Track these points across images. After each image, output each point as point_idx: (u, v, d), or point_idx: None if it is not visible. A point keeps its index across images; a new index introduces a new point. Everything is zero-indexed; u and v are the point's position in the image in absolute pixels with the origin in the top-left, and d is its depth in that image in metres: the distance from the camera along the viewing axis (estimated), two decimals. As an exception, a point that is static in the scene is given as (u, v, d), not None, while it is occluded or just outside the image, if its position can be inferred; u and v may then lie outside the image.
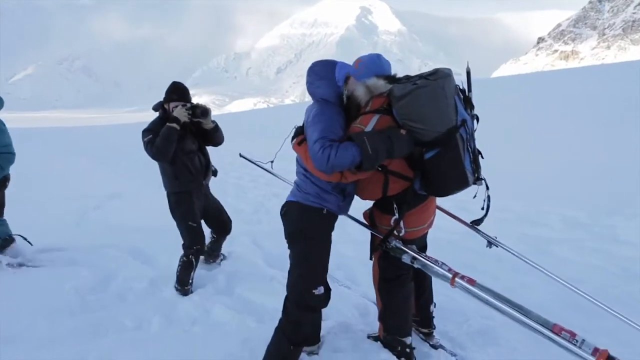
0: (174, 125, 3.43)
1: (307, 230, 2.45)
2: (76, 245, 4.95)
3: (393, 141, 2.14)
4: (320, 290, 2.44)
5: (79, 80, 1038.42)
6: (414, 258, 2.41)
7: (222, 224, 4.12)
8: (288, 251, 2.78)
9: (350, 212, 2.67)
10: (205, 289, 3.79)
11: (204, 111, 3.56)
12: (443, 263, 2.37)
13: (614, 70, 26.66)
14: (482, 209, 2.49)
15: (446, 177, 2.25)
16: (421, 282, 2.83)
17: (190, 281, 3.73)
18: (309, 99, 2.73)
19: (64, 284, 3.71)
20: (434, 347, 2.83)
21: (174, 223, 6.31)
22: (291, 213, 2.49)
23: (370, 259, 2.67)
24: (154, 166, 3.87)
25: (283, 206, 2.56)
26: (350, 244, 4.61)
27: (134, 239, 5.20)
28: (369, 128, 2.25)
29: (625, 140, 10.32)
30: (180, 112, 3.47)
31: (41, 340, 2.93)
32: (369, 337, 2.88)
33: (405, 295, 2.61)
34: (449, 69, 2.27)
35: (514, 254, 2.64)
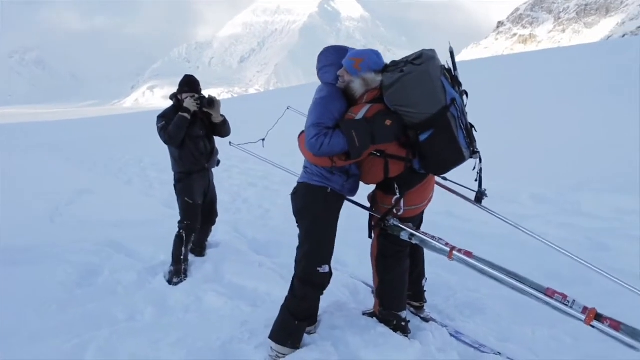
0: (185, 114, 3.80)
1: (311, 208, 2.55)
2: (54, 242, 4.84)
3: (375, 135, 2.30)
4: (325, 269, 2.52)
5: (33, 74, 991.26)
6: (411, 235, 2.53)
7: (210, 213, 4.33)
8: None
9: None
10: (194, 278, 3.81)
11: (210, 101, 3.91)
12: (440, 238, 2.50)
13: (570, 53, 27.68)
14: (476, 180, 2.61)
15: (442, 156, 2.37)
16: (414, 257, 2.95)
17: (182, 257, 3.92)
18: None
19: (50, 279, 3.66)
20: (425, 319, 2.97)
21: (150, 217, 6.27)
22: (300, 193, 2.61)
23: (370, 237, 2.77)
24: (118, 162, 3.91)
25: (295, 188, 2.68)
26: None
27: (112, 234, 5.13)
28: (359, 116, 2.37)
29: (587, 119, 10.81)
30: (190, 102, 3.84)
31: (34, 334, 2.89)
32: (364, 314, 2.99)
33: (402, 271, 2.73)
34: (433, 50, 2.36)
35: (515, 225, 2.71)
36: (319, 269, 2.50)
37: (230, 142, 3.96)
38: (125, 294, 3.55)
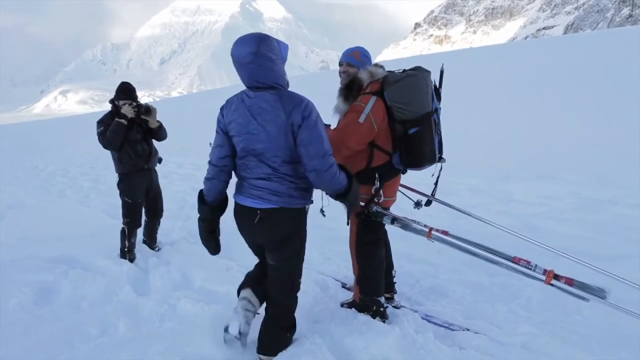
0: (122, 120, 4.08)
1: (300, 232, 2.45)
2: (-8, 261, 4.52)
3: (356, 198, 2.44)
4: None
5: None
6: (394, 219, 2.81)
7: (153, 207, 4.71)
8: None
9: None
10: (163, 287, 3.75)
11: (147, 109, 4.23)
12: (418, 222, 2.82)
13: (483, 53, 29.78)
14: (435, 184, 3.10)
15: (424, 151, 2.72)
16: (385, 250, 3.17)
17: (126, 249, 4.38)
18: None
19: (4, 301, 3.43)
20: (397, 307, 3.20)
21: (95, 228, 6.10)
22: (275, 221, 2.33)
23: (347, 224, 3.02)
24: (42, 172, 3.81)
25: (249, 213, 2.34)
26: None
27: (60, 249, 4.85)
28: (368, 107, 2.70)
29: (509, 114, 11.80)
30: (127, 109, 4.12)
31: (2, 362, 2.74)
32: (342, 305, 3.17)
33: (380, 258, 2.98)
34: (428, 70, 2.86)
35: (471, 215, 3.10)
36: (300, 278, 2.60)
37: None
38: (91, 309, 3.42)
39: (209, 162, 2.44)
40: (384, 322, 2.92)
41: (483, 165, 7.98)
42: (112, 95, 4.35)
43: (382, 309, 2.96)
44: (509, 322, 2.96)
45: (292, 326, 2.63)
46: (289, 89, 2.33)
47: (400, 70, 2.80)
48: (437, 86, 2.91)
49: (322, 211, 3.03)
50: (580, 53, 19.97)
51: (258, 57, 2.15)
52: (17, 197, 8.25)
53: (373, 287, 2.96)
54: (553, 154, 8.10)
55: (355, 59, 2.89)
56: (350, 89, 2.82)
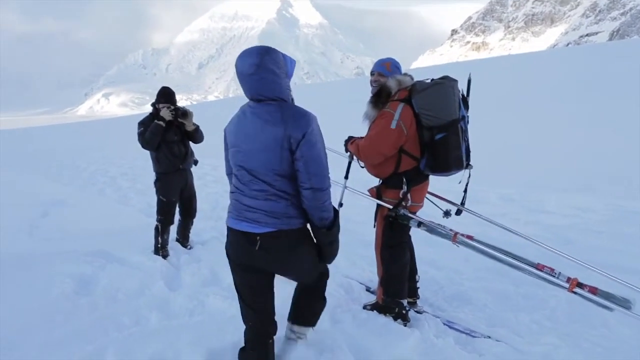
0: (160, 122, 4.35)
1: (306, 251, 2.30)
2: (37, 254, 4.81)
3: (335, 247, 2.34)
4: None
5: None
6: (420, 223, 2.89)
7: (188, 207, 4.91)
8: None
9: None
10: (193, 283, 3.92)
11: (183, 113, 4.47)
12: (444, 226, 2.88)
13: (522, 61, 29.12)
14: (464, 191, 3.18)
15: (450, 156, 2.79)
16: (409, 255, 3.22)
17: (159, 246, 4.59)
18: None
19: (48, 289, 3.67)
20: (419, 312, 3.23)
21: (132, 225, 6.36)
22: (277, 246, 2.19)
23: (374, 227, 3.13)
24: (84, 172, 4.00)
25: (246, 238, 2.18)
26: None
27: (98, 243, 5.11)
28: (397, 113, 2.83)
29: (544, 123, 11.53)
30: (165, 112, 4.38)
31: (43, 345, 2.92)
32: (365, 307, 3.23)
33: (405, 261, 3.05)
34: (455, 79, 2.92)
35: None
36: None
37: None
38: (126, 300, 3.61)
39: (227, 174, 2.44)
40: (405, 324, 2.98)
41: (517, 174, 7.86)
42: (151, 98, 4.59)
43: (404, 312, 3.02)
44: (532, 331, 2.94)
45: (324, 296, 2.65)
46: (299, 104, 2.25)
47: (429, 80, 2.90)
48: (465, 95, 2.97)
49: (340, 204, 3.20)
50: (625, 60, 19.27)
51: (261, 69, 2.09)
52: (61, 195, 8.70)
53: (396, 289, 3.03)
54: (591, 164, 7.89)
55: (386, 69, 3.03)
56: (379, 96, 2.96)
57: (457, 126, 2.80)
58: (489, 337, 2.87)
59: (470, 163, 2.99)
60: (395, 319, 2.99)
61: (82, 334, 3.05)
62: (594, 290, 2.34)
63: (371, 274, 4.07)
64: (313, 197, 2.13)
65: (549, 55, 35.56)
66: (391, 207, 2.92)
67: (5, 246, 5.23)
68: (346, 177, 3.52)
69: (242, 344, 2.60)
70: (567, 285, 2.39)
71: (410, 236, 3.24)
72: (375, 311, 3.10)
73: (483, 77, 22.79)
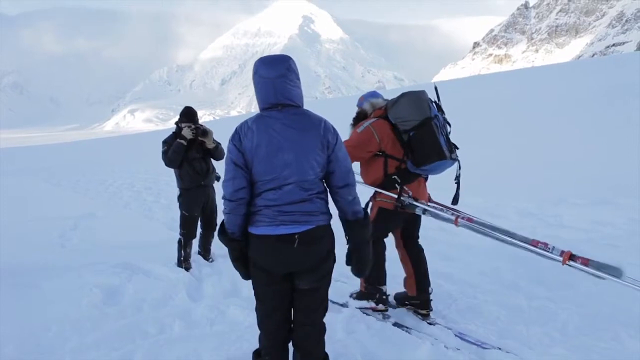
0: (182, 141, 4.60)
1: (333, 249, 2.36)
2: (68, 264, 5.07)
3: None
4: None
5: (10, 99, 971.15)
6: (424, 210, 3.16)
7: (209, 221, 5.08)
8: None
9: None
10: (214, 294, 4.09)
11: (203, 132, 4.69)
12: (447, 209, 3.16)
13: (544, 72, 28.84)
14: (457, 183, 3.32)
15: (425, 146, 3.10)
16: (420, 268, 3.40)
17: (182, 258, 4.83)
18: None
19: (78, 298, 3.89)
20: (431, 324, 3.32)
21: (156, 239, 6.59)
22: (316, 241, 2.24)
23: None
24: (110, 186, 4.21)
25: (285, 241, 2.18)
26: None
27: (124, 255, 5.34)
28: (366, 123, 3.28)
29: (564, 136, 11.43)
30: (186, 131, 4.61)
31: (75, 349, 3.12)
32: (350, 295, 3.66)
33: (381, 251, 3.40)
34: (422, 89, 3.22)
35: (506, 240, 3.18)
36: None
37: None
38: (151, 310, 3.80)
39: (223, 197, 2.24)
40: (385, 308, 3.44)
41: (535, 188, 7.82)
42: (175, 114, 4.86)
43: (384, 297, 3.43)
44: (542, 344, 2.98)
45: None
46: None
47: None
48: (437, 101, 3.30)
49: None
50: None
51: (290, 72, 2.19)
52: (90, 208, 9.06)
53: (376, 277, 3.39)
54: (612, 177, 7.81)
55: (360, 101, 3.58)
56: (358, 119, 3.48)
57: (431, 123, 3.10)
58: (500, 348, 2.93)
59: (457, 157, 3.22)
60: (377, 303, 3.42)
61: (109, 341, 3.24)
62: (586, 262, 2.44)
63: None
64: (348, 193, 2.28)
65: (573, 66, 35.12)
66: (396, 196, 3.17)
67: (39, 257, 5.53)
68: None
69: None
70: (560, 258, 2.51)
71: (421, 248, 3.49)
72: (355, 299, 3.57)
73: (503, 90, 22.69)
